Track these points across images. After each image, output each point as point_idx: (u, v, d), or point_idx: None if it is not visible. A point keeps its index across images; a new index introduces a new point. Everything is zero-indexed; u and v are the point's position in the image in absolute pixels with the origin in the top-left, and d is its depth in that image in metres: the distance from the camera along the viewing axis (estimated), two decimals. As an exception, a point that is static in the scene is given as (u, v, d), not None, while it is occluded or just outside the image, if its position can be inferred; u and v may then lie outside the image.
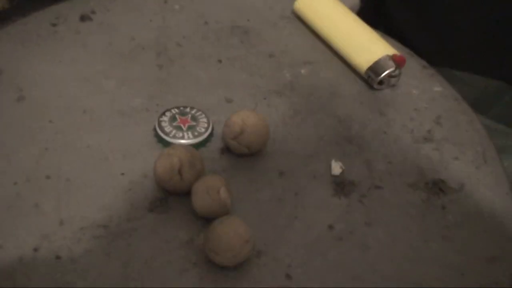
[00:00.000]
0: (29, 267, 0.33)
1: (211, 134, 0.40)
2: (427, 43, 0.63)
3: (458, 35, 0.62)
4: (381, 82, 0.44)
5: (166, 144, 0.40)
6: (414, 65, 0.47)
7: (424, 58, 0.49)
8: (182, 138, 0.40)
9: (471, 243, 0.36)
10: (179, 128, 0.40)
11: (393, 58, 0.44)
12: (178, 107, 0.41)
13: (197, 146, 0.40)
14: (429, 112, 0.43)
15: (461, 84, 0.57)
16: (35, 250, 0.34)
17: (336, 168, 0.39)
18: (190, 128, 0.40)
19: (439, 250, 0.36)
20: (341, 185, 0.39)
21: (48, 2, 0.50)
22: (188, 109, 0.41)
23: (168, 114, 0.41)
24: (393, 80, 0.45)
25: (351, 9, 0.49)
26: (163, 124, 0.40)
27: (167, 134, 0.40)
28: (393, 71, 0.44)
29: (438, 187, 0.39)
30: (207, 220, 0.35)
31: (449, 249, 0.36)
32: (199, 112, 0.41)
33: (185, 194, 0.37)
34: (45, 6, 0.49)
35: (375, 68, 0.44)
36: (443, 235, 0.36)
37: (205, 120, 0.41)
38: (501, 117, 0.58)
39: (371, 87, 0.45)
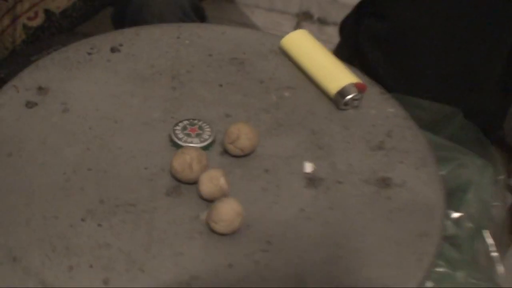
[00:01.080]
0: (77, 231, 0.45)
1: (213, 140, 0.53)
2: (393, 76, 0.75)
3: (419, 70, 0.75)
4: (346, 104, 0.57)
5: (179, 147, 0.52)
6: (373, 91, 0.59)
7: (389, 87, 0.61)
8: (191, 142, 0.52)
9: (407, 223, 0.48)
10: (189, 135, 0.52)
11: (356, 85, 0.57)
12: (188, 119, 0.54)
13: (203, 149, 0.52)
14: (383, 127, 0.56)
15: (419, 109, 0.69)
16: (82, 220, 0.46)
17: (308, 167, 0.51)
18: (198, 135, 0.53)
19: (383, 228, 0.47)
20: (311, 180, 0.51)
21: (77, 36, 0.62)
22: (196, 121, 0.54)
23: (180, 124, 0.53)
24: (355, 102, 0.57)
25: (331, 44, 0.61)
26: (176, 132, 0.53)
27: (180, 139, 0.52)
28: (356, 96, 0.56)
29: (385, 183, 0.51)
30: (209, 202, 0.47)
31: (391, 227, 0.48)
32: (205, 124, 0.54)
33: (193, 183, 0.49)
34: (78, 39, 0.62)
35: (342, 93, 0.56)
36: (386, 217, 0.48)
37: (209, 129, 0.53)
38: (453, 136, 0.70)
39: (338, 107, 0.57)
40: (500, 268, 0.62)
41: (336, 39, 0.93)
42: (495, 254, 0.62)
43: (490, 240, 0.62)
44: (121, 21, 0.94)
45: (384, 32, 0.77)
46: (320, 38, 0.66)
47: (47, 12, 1.10)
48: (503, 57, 0.75)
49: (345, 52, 0.86)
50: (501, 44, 0.77)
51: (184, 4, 0.90)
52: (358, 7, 0.89)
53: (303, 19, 1.72)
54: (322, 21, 1.68)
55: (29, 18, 1.10)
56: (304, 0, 1.70)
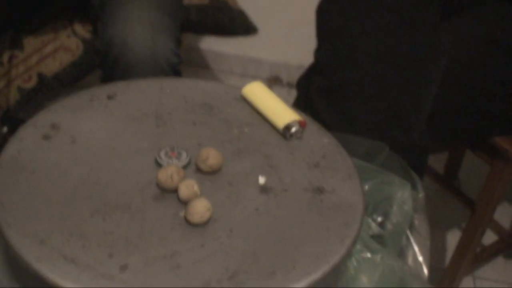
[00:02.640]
0: (88, 223, 0.60)
1: (189, 161, 0.69)
2: (334, 119, 0.92)
3: (354, 115, 0.92)
4: (291, 135, 0.74)
5: (162, 166, 0.67)
6: (313, 126, 0.76)
7: (332, 128, 0.78)
8: (172, 163, 0.68)
9: (335, 217, 0.64)
10: (170, 157, 0.69)
11: (298, 121, 0.74)
12: (169, 147, 0.70)
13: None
14: (319, 152, 0.73)
15: (354, 144, 0.87)
16: (91, 216, 0.61)
17: (262, 180, 0.68)
18: (177, 157, 0.69)
19: (317, 220, 0.63)
20: (264, 189, 0.67)
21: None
22: (175, 148, 0.70)
23: (163, 150, 0.69)
24: (298, 134, 0.74)
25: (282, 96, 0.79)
26: (161, 155, 0.69)
27: (163, 160, 0.68)
28: (298, 129, 0.74)
29: (319, 190, 0.67)
30: (186, 204, 0.63)
31: (322, 219, 0.64)
32: (182, 150, 0.70)
33: (174, 191, 0.64)
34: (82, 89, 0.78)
35: (288, 127, 0.74)
36: (319, 213, 0.64)
37: (185, 154, 0.69)
38: (381, 165, 0.87)
39: (285, 138, 0.74)
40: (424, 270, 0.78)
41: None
42: (420, 258, 0.78)
43: (414, 245, 0.78)
44: (109, 81, 1.11)
45: (327, 86, 0.96)
46: (288, 99, 0.84)
47: (40, 75, 1.26)
48: (429, 100, 0.94)
49: (301, 102, 1.04)
50: (427, 92, 0.95)
51: (165, 69, 1.08)
52: (309, 68, 1.08)
53: (273, 83, 1.92)
54: (291, 85, 1.88)
55: (24, 81, 1.27)
56: (274, 67, 1.91)
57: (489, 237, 1.37)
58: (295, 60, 1.85)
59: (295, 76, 1.95)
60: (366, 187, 0.74)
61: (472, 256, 1.28)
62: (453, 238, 1.48)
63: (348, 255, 0.62)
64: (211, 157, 0.67)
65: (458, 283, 1.32)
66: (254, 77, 1.93)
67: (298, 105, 1.02)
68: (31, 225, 0.59)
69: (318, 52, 1.03)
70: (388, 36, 0.92)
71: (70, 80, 1.29)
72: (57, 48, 1.27)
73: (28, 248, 0.57)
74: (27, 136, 0.70)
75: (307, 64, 1.09)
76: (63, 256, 0.56)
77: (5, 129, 0.88)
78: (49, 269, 0.55)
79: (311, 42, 1.03)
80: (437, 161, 1.55)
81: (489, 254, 1.40)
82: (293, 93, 0.83)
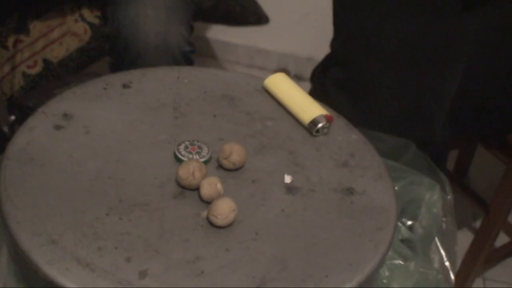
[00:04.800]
0: (103, 222, 0.55)
1: (210, 157, 0.64)
2: (353, 113, 0.88)
3: (374, 108, 0.88)
4: (317, 131, 0.69)
5: (182, 162, 0.63)
6: (340, 121, 0.72)
7: (350, 123, 0.74)
8: (192, 158, 0.64)
9: (367, 221, 0.60)
10: (190, 152, 0.64)
11: (325, 116, 0.70)
12: (189, 141, 0.65)
13: (201, 163, 0.63)
14: (347, 149, 0.68)
15: (377, 140, 0.82)
16: (106, 214, 0.56)
17: (287, 178, 0.63)
18: (197, 152, 0.64)
19: (347, 223, 0.59)
20: (290, 189, 0.62)
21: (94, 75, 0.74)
22: (195, 142, 0.65)
23: (183, 144, 0.65)
24: (325, 130, 0.70)
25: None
26: (180, 149, 0.64)
27: (183, 155, 0.64)
28: (325, 124, 0.69)
29: (349, 191, 0.63)
30: (208, 203, 0.59)
31: (353, 223, 0.59)
32: (203, 144, 0.65)
33: (195, 189, 0.60)
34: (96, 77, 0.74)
35: (314, 122, 0.69)
36: (350, 216, 0.60)
37: (206, 148, 0.65)
38: (407, 164, 0.83)
39: (311, 134, 0.70)
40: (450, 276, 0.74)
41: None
42: (447, 263, 0.74)
43: (441, 249, 0.74)
44: (119, 70, 1.06)
45: (345, 78, 0.91)
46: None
47: (45, 61, 1.22)
48: (450, 94, 0.90)
49: (315, 95, 1.00)
50: (447, 83, 0.91)
51: (177, 56, 1.04)
52: (325, 60, 1.04)
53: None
54: (299, 77, 1.84)
55: (29, 67, 1.22)
56: (282, 58, 1.87)
57: (500, 239, 1.33)
58: (303, 52, 1.81)
59: (303, 68, 1.91)
60: (395, 188, 0.69)
61: (484, 258, 1.24)
62: (463, 237, 1.45)
63: (382, 262, 0.57)
64: (235, 153, 0.63)
65: (469, 285, 1.29)
66: (261, 68, 1.88)
67: (312, 97, 0.98)
68: (41, 223, 0.55)
69: (335, 42, 0.98)
70: (407, 23, 0.88)
71: (76, 67, 1.24)
72: (64, 33, 1.22)
73: (38, 249, 0.52)
74: (37, 126, 0.65)
75: (315, 56, 1.05)
76: (76, 259, 0.52)
77: (12, 117, 0.83)
78: (61, 274, 0.51)
79: (320, 34, 0.99)
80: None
81: (500, 255, 1.36)
82: (302, 85, 0.79)
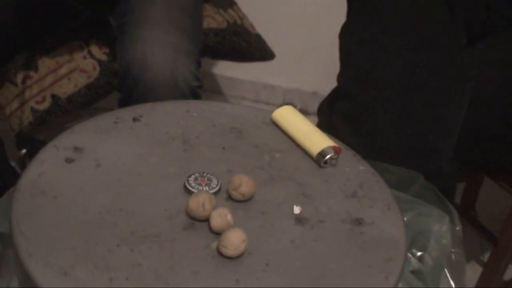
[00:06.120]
0: (114, 254, 0.56)
1: (220, 188, 0.65)
2: (360, 146, 0.89)
3: (381, 141, 0.89)
4: (325, 162, 0.70)
5: (191, 193, 0.63)
6: (347, 153, 0.73)
7: (359, 155, 0.74)
8: (202, 190, 0.64)
9: (377, 252, 0.60)
10: (200, 184, 0.65)
11: (333, 148, 0.70)
12: (198, 173, 0.66)
13: (211, 195, 0.64)
14: (355, 181, 0.69)
15: (386, 172, 0.83)
16: (117, 246, 0.57)
17: (297, 210, 0.64)
18: (207, 184, 0.65)
19: (357, 254, 0.59)
20: (299, 220, 0.63)
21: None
22: (205, 174, 0.66)
23: (192, 176, 0.66)
24: (333, 161, 0.70)
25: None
26: (190, 181, 0.65)
27: (192, 187, 0.64)
28: (333, 156, 0.70)
29: (358, 222, 0.63)
30: (218, 234, 0.59)
31: (363, 254, 0.59)
32: (212, 176, 0.66)
33: (205, 220, 0.60)
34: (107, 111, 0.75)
35: (322, 154, 0.70)
36: (360, 247, 0.60)
37: (216, 180, 0.65)
38: (415, 195, 0.83)
39: (320, 165, 0.70)
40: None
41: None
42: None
43: (450, 280, 0.73)
44: (127, 105, 1.07)
45: (351, 111, 0.92)
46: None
47: (54, 97, 1.23)
48: (456, 127, 0.90)
49: (322, 129, 1.01)
50: (452, 115, 0.92)
51: (185, 92, 1.05)
52: (331, 93, 1.05)
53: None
54: (304, 112, 1.85)
55: (37, 102, 1.24)
56: (287, 93, 1.89)
57: (510, 271, 1.32)
58: (308, 86, 1.83)
59: (309, 102, 1.93)
60: (404, 219, 0.70)
61: (494, 291, 1.23)
62: (471, 270, 1.43)
63: (393, 293, 0.57)
64: (244, 184, 0.63)
65: (479, 319, 1.28)
66: (267, 103, 1.90)
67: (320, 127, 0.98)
68: (53, 255, 0.55)
69: (341, 77, 1.00)
70: (411, 58, 0.90)
71: (85, 102, 1.26)
72: (73, 70, 1.24)
73: (50, 281, 0.53)
74: (49, 159, 0.66)
75: (320, 90, 1.06)
76: (89, 290, 0.52)
77: (23, 151, 0.84)
78: (73, 304, 0.51)
79: (325, 69, 1.01)
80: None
81: (509, 289, 1.35)
82: (307, 119, 0.81)
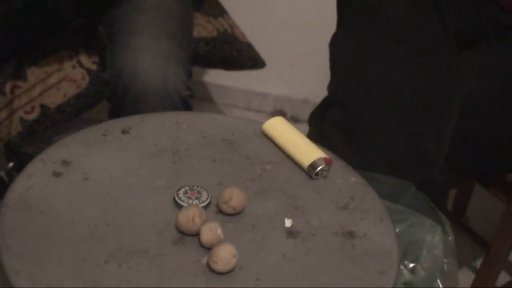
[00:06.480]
0: (102, 270, 0.55)
1: (210, 202, 0.64)
2: (351, 155, 0.88)
3: (373, 150, 0.88)
4: (317, 174, 0.69)
5: (181, 207, 0.63)
6: (339, 164, 0.72)
7: (351, 164, 0.74)
8: (192, 203, 0.63)
9: (369, 264, 0.59)
10: (189, 197, 0.64)
11: (324, 159, 0.70)
12: (188, 186, 0.65)
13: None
14: (347, 192, 0.68)
15: (377, 182, 0.82)
16: (106, 262, 0.56)
17: (288, 223, 0.63)
18: (197, 198, 0.64)
19: (349, 267, 0.59)
20: (290, 233, 0.62)
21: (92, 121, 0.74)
22: (195, 187, 0.65)
23: (182, 189, 0.65)
24: (324, 173, 0.70)
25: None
26: (179, 195, 0.64)
27: (182, 201, 0.63)
28: (324, 167, 0.69)
29: (350, 234, 0.63)
30: (208, 249, 0.58)
31: (355, 267, 0.59)
32: (202, 189, 0.65)
33: (195, 235, 0.60)
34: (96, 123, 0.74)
35: (313, 165, 0.69)
36: (352, 260, 0.60)
37: (206, 193, 0.65)
38: (407, 205, 0.83)
39: (311, 177, 0.70)
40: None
41: (307, 135, 1.08)
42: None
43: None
44: (118, 115, 1.06)
45: (343, 120, 0.92)
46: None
47: (43, 107, 1.22)
48: (448, 134, 0.90)
49: (313, 138, 1.00)
50: (447, 125, 0.92)
51: (176, 101, 1.04)
52: (322, 102, 1.04)
53: (278, 117, 1.88)
54: (295, 119, 1.85)
55: (26, 112, 1.22)
56: (278, 100, 1.88)
57: (502, 278, 1.32)
58: (299, 94, 1.82)
59: (300, 110, 1.92)
60: (396, 230, 0.69)
61: (486, 298, 1.23)
62: (463, 276, 1.43)
63: (385, 307, 0.57)
64: (234, 198, 0.62)
65: (471, 326, 1.27)
66: (258, 111, 1.90)
67: (311, 140, 0.98)
68: (40, 271, 0.54)
69: (332, 85, 0.99)
70: (402, 67, 0.89)
71: (74, 112, 1.24)
72: (62, 79, 1.23)
73: (37, 297, 0.52)
74: (36, 173, 0.65)
75: (311, 98, 1.06)
76: (76, 307, 0.51)
77: (10, 164, 0.83)
78: (61, 323, 0.50)
79: (316, 76, 1.00)
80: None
81: (502, 295, 1.35)
82: (298, 127, 0.80)
